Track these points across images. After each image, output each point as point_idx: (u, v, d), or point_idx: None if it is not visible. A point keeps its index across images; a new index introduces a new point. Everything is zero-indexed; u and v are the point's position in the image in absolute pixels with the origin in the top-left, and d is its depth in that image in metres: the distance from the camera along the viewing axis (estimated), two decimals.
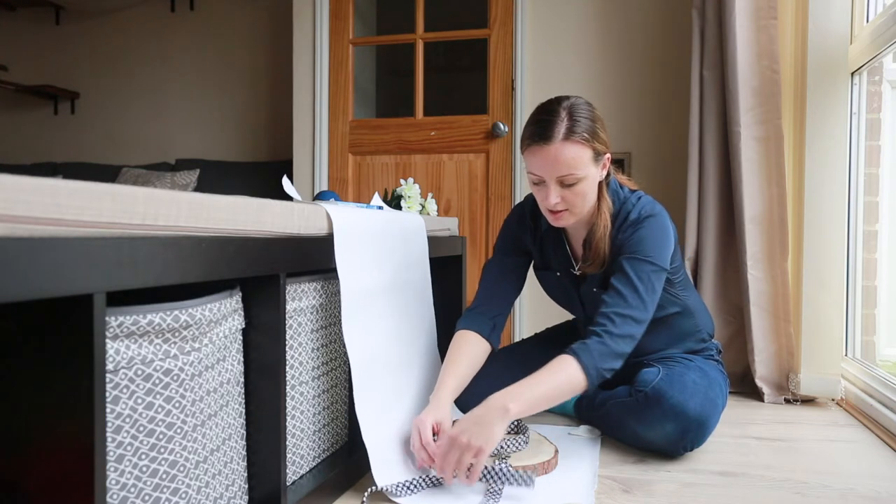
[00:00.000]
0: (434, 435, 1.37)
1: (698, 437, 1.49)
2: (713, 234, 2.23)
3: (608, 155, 1.50)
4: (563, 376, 1.35)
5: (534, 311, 2.87)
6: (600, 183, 1.53)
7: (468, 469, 1.25)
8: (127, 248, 0.75)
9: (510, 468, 1.30)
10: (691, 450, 1.53)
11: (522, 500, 1.28)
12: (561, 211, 1.49)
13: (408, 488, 1.29)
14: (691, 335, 1.72)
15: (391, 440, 1.40)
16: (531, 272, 1.78)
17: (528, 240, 1.72)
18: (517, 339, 2.88)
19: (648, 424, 1.50)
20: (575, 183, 1.43)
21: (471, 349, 1.58)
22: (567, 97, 1.47)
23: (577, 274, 1.65)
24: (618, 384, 1.73)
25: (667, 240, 1.51)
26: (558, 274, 1.69)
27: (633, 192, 1.59)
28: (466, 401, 1.80)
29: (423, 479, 1.33)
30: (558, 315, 2.03)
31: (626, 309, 1.42)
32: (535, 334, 2.00)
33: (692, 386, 1.50)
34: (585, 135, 1.41)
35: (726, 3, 2.12)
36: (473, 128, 2.94)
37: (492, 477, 1.30)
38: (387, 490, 1.27)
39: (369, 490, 1.28)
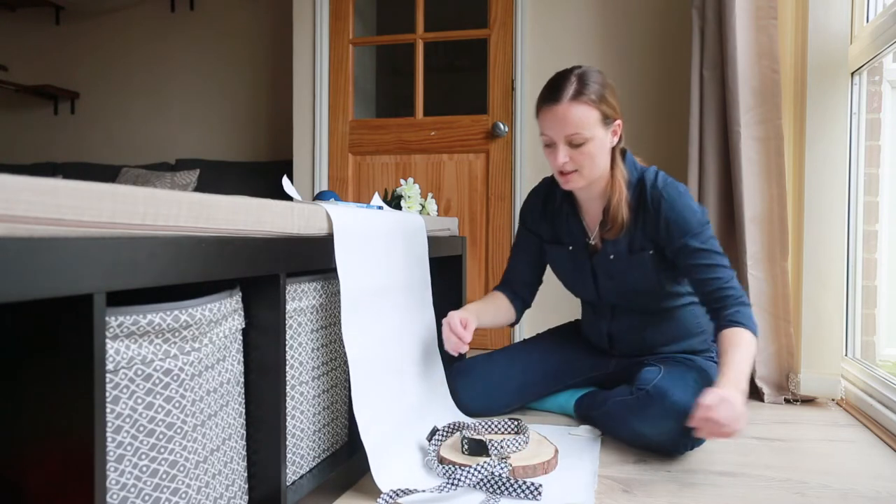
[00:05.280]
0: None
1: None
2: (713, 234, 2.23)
3: (619, 122, 1.56)
4: (752, 347, 1.48)
5: (533, 311, 2.86)
6: (614, 152, 1.59)
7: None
8: (127, 248, 0.75)
9: (520, 480, 1.30)
10: (692, 448, 1.53)
11: (524, 501, 1.28)
12: (570, 172, 1.55)
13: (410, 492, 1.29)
14: (694, 333, 1.73)
15: (390, 440, 1.40)
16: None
17: (539, 215, 1.78)
18: (517, 339, 2.88)
19: (650, 422, 1.50)
20: (582, 143, 1.51)
21: (500, 302, 1.82)
22: (579, 66, 1.56)
23: (592, 244, 1.68)
24: (618, 384, 1.73)
25: (691, 200, 1.60)
26: (570, 248, 1.72)
27: (648, 167, 1.66)
28: (467, 401, 1.81)
29: (427, 489, 1.33)
30: (558, 316, 2.04)
31: (732, 275, 1.55)
32: (537, 335, 2.00)
33: (694, 385, 1.51)
34: (593, 97, 1.50)
35: (726, 3, 2.12)
36: (473, 128, 2.94)
37: (498, 486, 1.30)
38: (388, 497, 1.27)
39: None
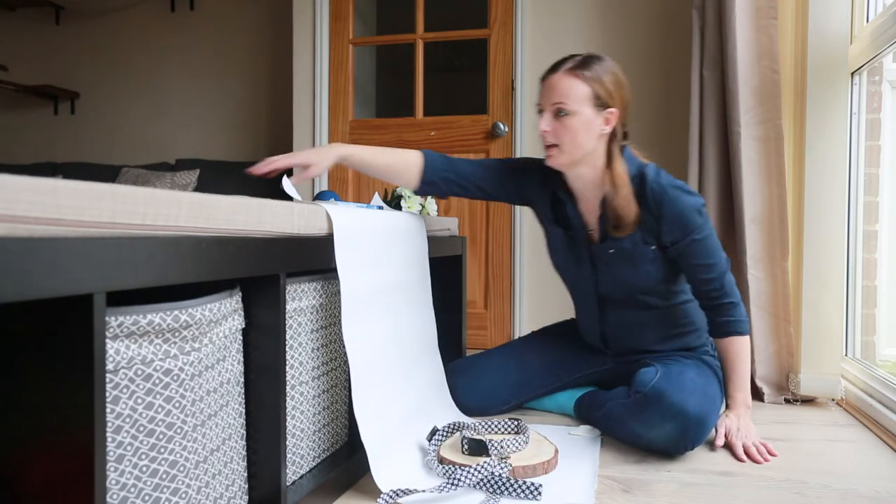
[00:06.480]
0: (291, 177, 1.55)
1: (699, 436, 1.49)
2: None
3: (613, 110, 1.53)
4: (748, 350, 1.63)
5: (533, 307, 2.87)
6: (611, 144, 1.56)
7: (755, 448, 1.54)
8: (127, 248, 0.75)
9: (520, 481, 1.30)
10: (692, 448, 1.53)
11: (524, 501, 1.28)
12: (551, 146, 1.55)
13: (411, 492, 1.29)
14: (689, 331, 1.73)
15: (390, 440, 1.40)
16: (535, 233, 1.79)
17: (536, 189, 1.73)
18: (517, 335, 2.88)
19: (649, 425, 1.50)
20: (566, 115, 1.51)
21: (407, 156, 1.68)
22: (597, 54, 1.57)
23: (590, 233, 1.66)
24: (616, 381, 1.74)
25: (693, 196, 1.57)
26: (569, 233, 1.70)
27: (647, 162, 1.63)
28: (465, 400, 1.81)
29: (428, 489, 1.33)
30: (560, 314, 2.03)
31: (727, 268, 1.61)
32: (532, 332, 1.99)
33: (690, 384, 1.51)
34: (587, 73, 1.51)
35: (726, 3, 2.12)
36: (473, 128, 2.94)
37: (498, 486, 1.30)
38: (388, 497, 1.26)
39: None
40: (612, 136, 1.56)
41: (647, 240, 1.59)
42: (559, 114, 1.51)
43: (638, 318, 1.71)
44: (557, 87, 1.51)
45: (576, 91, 1.50)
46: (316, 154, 1.56)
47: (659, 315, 1.70)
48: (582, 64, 1.52)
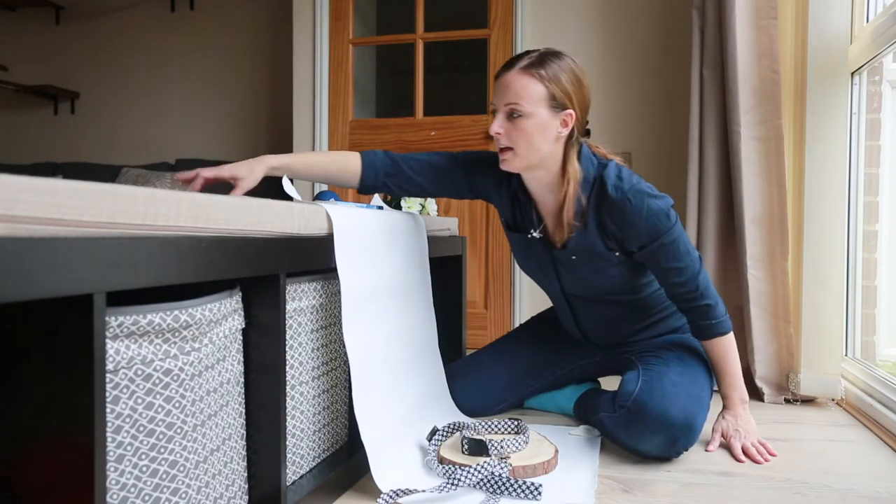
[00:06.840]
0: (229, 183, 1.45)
1: (688, 441, 1.49)
2: (713, 234, 2.23)
3: (570, 112, 1.44)
4: (735, 347, 1.59)
5: (533, 308, 2.86)
6: (567, 148, 1.48)
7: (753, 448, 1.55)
8: (127, 248, 0.75)
9: (520, 481, 1.30)
10: (686, 450, 1.53)
11: (524, 501, 1.28)
12: (505, 150, 1.46)
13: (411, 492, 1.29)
14: (668, 314, 1.71)
15: (390, 440, 1.40)
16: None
17: (493, 188, 1.66)
18: (517, 324, 2.87)
19: (637, 439, 1.50)
20: (519, 116, 1.42)
21: (346, 161, 1.61)
22: (555, 50, 1.47)
23: (542, 237, 1.60)
24: (608, 371, 1.78)
25: (660, 199, 1.47)
26: (529, 236, 1.64)
27: (608, 160, 1.53)
28: (463, 402, 1.81)
29: (427, 489, 1.33)
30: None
31: (699, 268, 1.52)
32: (520, 326, 1.98)
33: (672, 389, 1.48)
34: (543, 72, 1.41)
35: (726, 3, 2.12)
36: (473, 128, 2.94)
37: (498, 486, 1.30)
38: (389, 497, 1.26)
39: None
40: (569, 138, 1.47)
41: (610, 246, 1.52)
42: (513, 115, 1.42)
43: (610, 312, 1.69)
44: (511, 86, 1.41)
45: (531, 91, 1.40)
46: (243, 168, 1.46)
47: (631, 307, 1.68)
48: (538, 62, 1.42)
